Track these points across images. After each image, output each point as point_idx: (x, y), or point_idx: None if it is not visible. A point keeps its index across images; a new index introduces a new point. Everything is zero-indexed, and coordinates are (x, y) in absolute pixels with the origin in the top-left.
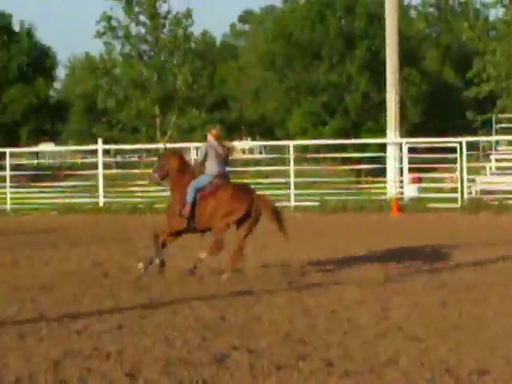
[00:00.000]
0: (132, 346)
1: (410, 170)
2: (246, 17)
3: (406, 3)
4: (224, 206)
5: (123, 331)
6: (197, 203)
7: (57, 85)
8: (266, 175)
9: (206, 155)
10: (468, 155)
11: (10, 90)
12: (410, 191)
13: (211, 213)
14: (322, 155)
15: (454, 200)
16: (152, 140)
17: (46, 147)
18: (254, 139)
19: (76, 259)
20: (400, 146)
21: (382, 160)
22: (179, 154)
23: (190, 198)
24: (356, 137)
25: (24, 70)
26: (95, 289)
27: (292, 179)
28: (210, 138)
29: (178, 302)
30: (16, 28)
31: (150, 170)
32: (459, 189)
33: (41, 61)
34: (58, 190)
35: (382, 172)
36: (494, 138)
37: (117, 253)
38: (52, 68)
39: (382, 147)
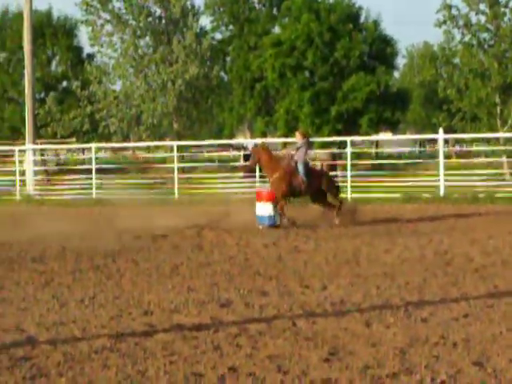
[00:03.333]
0: (479, 335)
1: None
2: None
3: None
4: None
5: (469, 320)
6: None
7: (396, 74)
8: None
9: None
10: None
11: (351, 78)
12: None
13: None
14: None
15: None
16: (492, 129)
17: (385, 136)
18: None
19: (418, 247)
20: None
21: None
22: (266, 148)
23: (302, 171)
24: None
25: (365, 59)
26: (439, 277)
27: None
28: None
29: None
30: (362, 18)
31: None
32: None
33: (382, 50)
34: (397, 179)
35: None
36: None
37: (460, 242)
38: (392, 57)
39: None
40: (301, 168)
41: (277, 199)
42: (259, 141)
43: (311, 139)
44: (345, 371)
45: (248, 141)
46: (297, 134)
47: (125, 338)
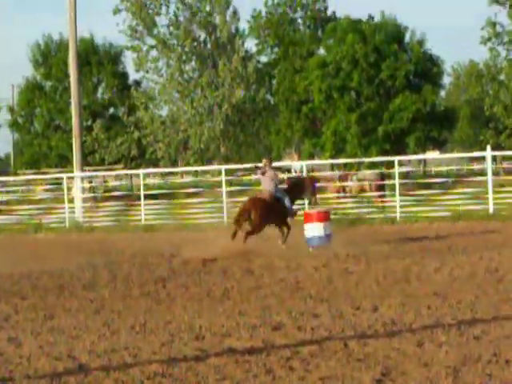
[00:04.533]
0: None
1: None
2: None
3: None
4: None
5: None
6: None
7: (442, 92)
8: None
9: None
10: None
11: (398, 98)
12: None
13: None
14: None
15: None
16: None
17: (432, 155)
18: None
19: (468, 266)
20: None
21: None
22: None
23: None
24: None
25: (411, 79)
26: (491, 295)
27: None
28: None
29: None
30: (407, 38)
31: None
32: None
33: (428, 69)
34: (446, 198)
35: None
36: None
37: (510, 259)
38: (438, 76)
39: None
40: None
41: None
42: (306, 163)
43: (360, 159)
44: None
45: (295, 163)
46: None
47: (177, 363)
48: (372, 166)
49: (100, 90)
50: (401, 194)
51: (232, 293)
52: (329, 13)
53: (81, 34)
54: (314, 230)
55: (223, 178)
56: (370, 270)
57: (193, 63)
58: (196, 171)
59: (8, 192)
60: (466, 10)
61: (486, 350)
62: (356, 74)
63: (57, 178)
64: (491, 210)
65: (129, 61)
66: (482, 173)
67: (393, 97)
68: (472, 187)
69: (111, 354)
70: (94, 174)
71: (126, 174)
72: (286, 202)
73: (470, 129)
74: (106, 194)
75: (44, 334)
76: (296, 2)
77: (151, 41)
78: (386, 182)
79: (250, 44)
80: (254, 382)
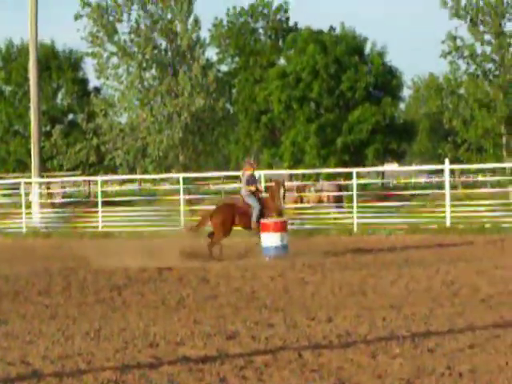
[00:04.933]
0: (485, 365)
1: None
2: None
3: None
4: None
5: (475, 350)
6: None
7: (402, 105)
8: None
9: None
10: None
11: (357, 110)
12: None
13: None
14: None
15: None
16: (498, 159)
17: (391, 167)
18: None
19: (425, 278)
20: None
21: None
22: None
23: None
24: None
25: (371, 91)
26: (446, 308)
27: None
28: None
29: None
30: (367, 50)
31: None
32: None
33: (388, 81)
34: (403, 210)
35: None
36: None
37: (466, 272)
38: (398, 88)
39: None
40: None
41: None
42: (264, 173)
43: (319, 170)
44: None
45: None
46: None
47: (130, 370)
48: (330, 177)
49: (60, 96)
50: (358, 206)
51: (187, 301)
52: (290, 23)
53: (42, 40)
54: (270, 239)
55: (181, 186)
56: (326, 281)
57: (153, 71)
58: (154, 179)
59: None
60: (427, 23)
61: (439, 362)
62: (316, 85)
63: (14, 184)
64: (448, 224)
65: (89, 67)
66: (440, 186)
67: (352, 108)
68: (430, 200)
69: (65, 360)
70: (52, 179)
71: (84, 181)
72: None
73: (428, 142)
74: (64, 200)
75: None
76: (257, 12)
77: (112, 48)
78: (344, 193)
79: (211, 53)
80: None
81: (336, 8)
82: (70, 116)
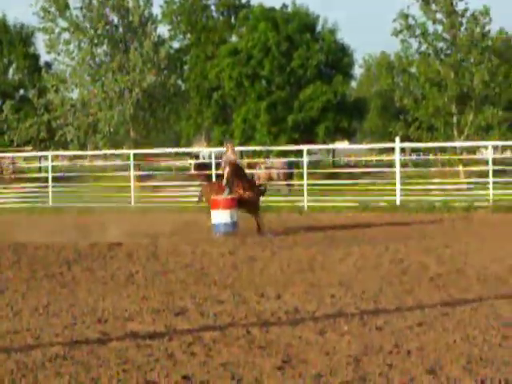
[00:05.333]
0: (433, 343)
1: None
2: None
3: None
4: None
5: (424, 328)
6: None
7: (353, 83)
8: None
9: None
10: None
11: (308, 88)
12: None
13: None
14: None
15: None
16: (448, 138)
17: (342, 145)
18: None
19: (374, 256)
20: None
21: None
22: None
23: None
24: None
25: (322, 68)
26: (395, 286)
27: None
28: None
29: (477, 301)
30: (319, 27)
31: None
32: None
33: (339, 59)
34: (354, 188)
35: None
36: None
37: (415, 250)
38: (349, 66)
39: None
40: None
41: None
42: (215, 150)
43: (269, 148)
44: (298, 379)
45: (204, 150)
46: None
47: (78, 346)
48: (281, 154)
49: (11, 71)
50: (308, 184)
51: (136, 277)
52: (242, 0)
53: None
54: (220, 216)
55: (131, 162)
56: (275, 258)
57: (104, 47)
58: (105, 155)
59: None
60: (380, 1)
61: (387, 340)
62: (267, 63)
63: None
64: (398, 202)
65: (40, 42)
66: (391, 164)
67: (303, 86)
68: (379, 178)
69: (13, 336)
70: (3, 155)
71: (35, 156)
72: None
73: (379, 120)
74: (14, 176)
75: None
76: None
77: (63, 23)
78: (294, 170)
79: (163, 29)
80: (155, 366)
81: None
82: (21, 91)
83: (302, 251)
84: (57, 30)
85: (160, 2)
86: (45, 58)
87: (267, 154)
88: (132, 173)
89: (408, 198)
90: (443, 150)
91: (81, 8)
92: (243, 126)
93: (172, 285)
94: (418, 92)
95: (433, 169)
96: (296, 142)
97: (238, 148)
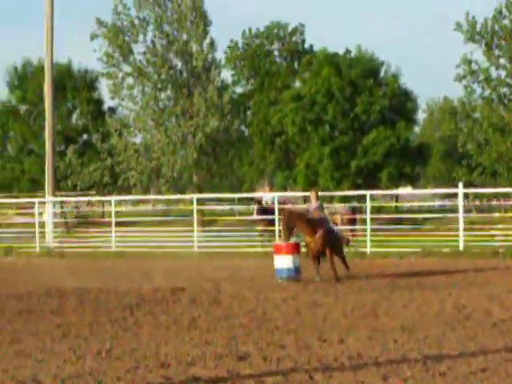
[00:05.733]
0: None
1: None
2: None
3: None
4: None
5: (487, 374)
6: None
7: (416, 128)
8: None
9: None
10: None
11: (371, 133)
12: None
13: None
14: None
15: None
16: None
17: (405, 190)
18: None
19: (437, 302)
20: None
21: None
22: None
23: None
24: None
25: (386, 113)
26: (458, 331)
27: None
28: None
29: None
30: (382, 72)
31: None
32: None
33: (402, 104)
34: (417, 234)
35: None
36: None
37: (478, 296)
38: (413, 111)
39: None
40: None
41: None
42: (279, 195)
43: (332, 193)
44: None
45: (267, 195)
46: (313, 193)
47: None
48: (344, 199)
49: (74, 116)
50: (372, 229)
51: (199, 322)
52: (306, 45)
53: (58, 59)
54: (283, 261)
55: (195, 207)
56: (339, 303)
57: (168, 91)
58: (168, 200)
59: None
60: (442, 46)
61: None
62: (331, 108)
63: (28, 203)
64: (461, 247)
65: (104, 87)
66: (454, 210)
67: (367, 131)
68: (443, 224)
69: (76, 380)
70: (66, 199)
71: (98, 201)
72: None
73: (443, 165)
74: (78, 220)
75: (9, 358)
76: (273, 34)
77: (127, 68)
78: (358, 216)
79: (226, 74)
80: None
81: (351, 30)
82: (85, 136)
83: (365, 297)
84: (120, 75)
85: (224, 47)
86: (108, 102)
87: (330, 200)
88: (195, 218)
89: (471, 243)
90: (506, 195)
91: (144, 53)
92: (306, 172)
93: (235, 330)
94: (481, 137)
95: (496, 214)
96: (359, 188)
97: (301, 193)
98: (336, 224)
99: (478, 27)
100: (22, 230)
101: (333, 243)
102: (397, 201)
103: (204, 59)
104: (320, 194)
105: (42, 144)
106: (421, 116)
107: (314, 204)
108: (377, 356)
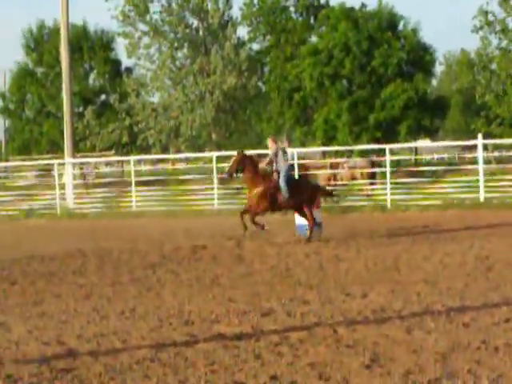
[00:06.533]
0: None
1: None
2: None
3: None
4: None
5: (511, 324)
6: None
7: (434, 81)
8: None
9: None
10: None
11: (389, 86)
12: None
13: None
14: None
15: None
16: None
17: (424, 143)
18: None
19: (459, 254)
20: None
21: None
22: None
23: (284, 187)
24: None
25: (403, 67)
26: (480, 283)
27: None
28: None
29: None
30: (400, 26)
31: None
32: None
33: (420, 58)
34: (438, 186)
35: None
36: None
37: (501, 247)
38: (431, 64)
39: None
40: (283, 184)
41: (252, 215)
42: (297, 150)
43: (351, 147)
44: (386, 377)
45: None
46: (269, 140)
47: (165, 348)
48: (363, 154)
49: (92, 77)
50: (391, 182)
51: (222, 279)
52: (322, 0)
53: (73, 21)
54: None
55: (214, 164)
56: (360, 257)
57: (185, 50)
58: (187, 158)
59: None
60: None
61: (474, 337)
62: (348, 62)
63: (48, 165)
64: (482, 199)
65: (121, 47)
66: (474, 161)
67: (384, 85)
68: (463, 176)
69: (100, 339)
70: (85, 160)
71: (117, 161)
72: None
73: (461, 117)
74: (97, 181)
75: (33, 319)
76: None
77: (143, 27)
78: (377, 169)
79: (242, 31)
80: (242, 367)
81: None
82: (103, 97)
83: (387, 250)
84: (137, 35)
85: (239, 4)
86: (125, 62)
87: (349, 154)
88: (215, 175)
89: (492, 194)
90: None
91: (160, 12)
92: (324, 127)
93: (258, 286)
94: (499, 88)
95: None
96: (378, 141)
97: (321, 148)
98: (355, 178)
99: None
100: (42, 192)
101: (274, 201)
102: (416, 154)
103: (220, 17)
104: (339, 148)
105: (59, 106)
106: (438, 69)
107: (270, 152)
108: (400, 309)
